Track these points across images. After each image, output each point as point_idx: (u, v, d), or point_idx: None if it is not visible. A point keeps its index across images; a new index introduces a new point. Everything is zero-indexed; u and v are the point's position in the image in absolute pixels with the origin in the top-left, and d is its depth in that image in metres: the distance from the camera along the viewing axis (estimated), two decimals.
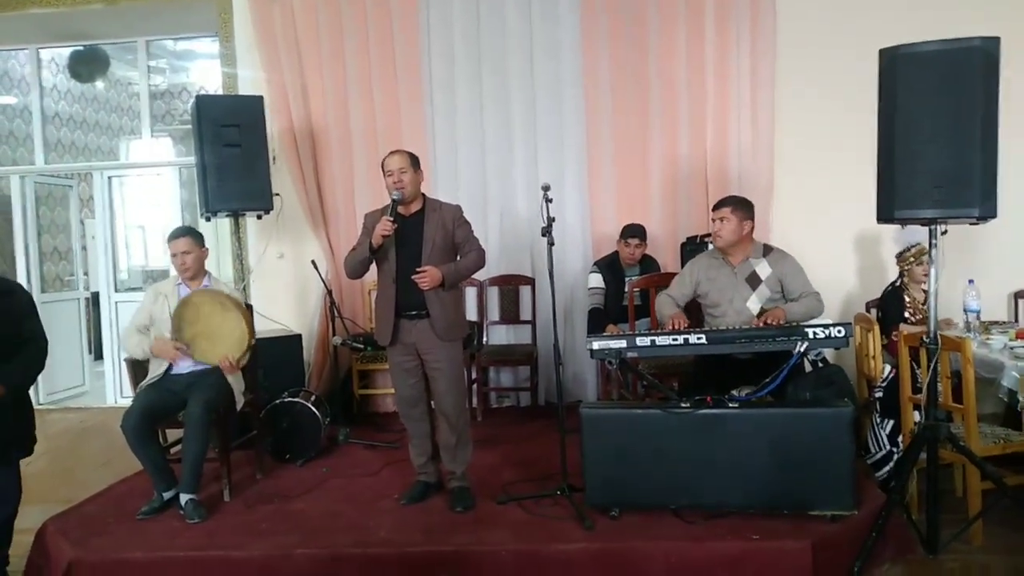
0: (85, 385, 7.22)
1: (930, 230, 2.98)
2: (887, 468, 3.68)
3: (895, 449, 3.67)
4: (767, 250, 3.86)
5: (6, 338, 3.01)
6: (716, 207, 3.86)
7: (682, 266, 4.64)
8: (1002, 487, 3.05)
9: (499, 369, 5.60)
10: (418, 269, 3.39)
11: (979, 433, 3.26)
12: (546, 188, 3.51)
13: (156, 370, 3.80)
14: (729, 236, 3.78)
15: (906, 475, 3.23)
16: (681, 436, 3.20)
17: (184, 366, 3.82)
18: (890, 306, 4.19)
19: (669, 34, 5.20)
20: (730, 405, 3.20)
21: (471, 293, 5.36)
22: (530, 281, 5.43)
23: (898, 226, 3.10)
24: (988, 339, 3.87)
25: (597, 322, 4.76)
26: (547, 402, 5.38)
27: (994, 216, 2.84)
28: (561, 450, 3.53)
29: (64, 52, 7.27)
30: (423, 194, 3.58)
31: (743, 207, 3.80)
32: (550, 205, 3.49)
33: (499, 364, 5.49)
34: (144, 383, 3.81)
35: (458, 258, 3.56)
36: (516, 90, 5.38)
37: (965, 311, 4.09)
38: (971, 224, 2.97)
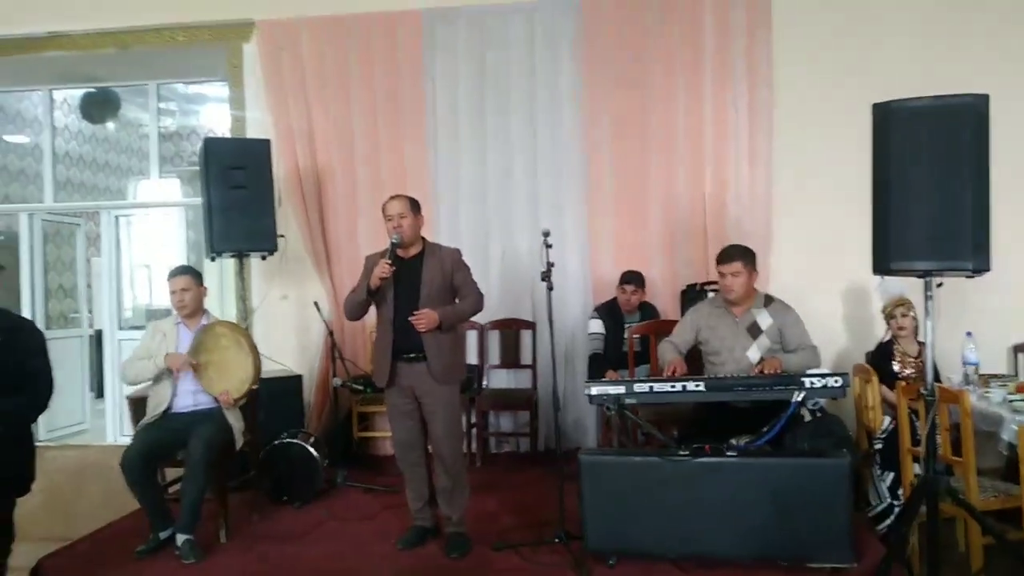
0: (86, 423, 7.21)
1: (925, 282, 3.00)
2: (888, 521, 3.65)
3: (895, 502, 3.64)
4: (768, 300, 3.89)
5: (9, 374, 3.03)
6: (725, 261, 3.81)
7: (682, 313, 4.66)
8: (1004, 542, 3.02)
9: (499, 414, 5.58)
10: (415, 312, 3.42)
11: (979, 487, 3.24)
12: (546, 234, 3.56)
13: (156, 408, 3.81)
14: (741, 290, 3.80)
15: (906, 528, 3.20)
16: (679, 484, 3.19)
17: (184, 405, 3.83)
18: (877, 364, 4.18)
19: (668, 84, 5.29)
20: (728, 454, 3.20)
21: (472, 336, 5.37)
22: (531, 325, 5.45)
23: (878, 279, 3.12)
24: (987, 392, 3.86)
25: (597, 368, 4.76)
26: (547, 448, 5.34)
27: (987, 269, 2.87)
28: (559, 497, 3.51)
29: (77, 94, 7.41)
30: (423, 238, 3.64)
31: (751, 259, 3.84)
32: (550, 251, 3.54)
33: (499, 408, 5.48)
34: (144, 421, 3.82)
35: (456, 301, 3.59)
36: (518, 137, 5.47)
37: (964, 363, 4.09)
38: (966, 277, 2.99)
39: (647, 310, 5.03)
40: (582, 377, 5.10)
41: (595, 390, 3.38)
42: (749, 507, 3.11)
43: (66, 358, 7.00)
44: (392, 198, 3.59)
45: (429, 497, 3.71)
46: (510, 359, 5.52)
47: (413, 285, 3.51)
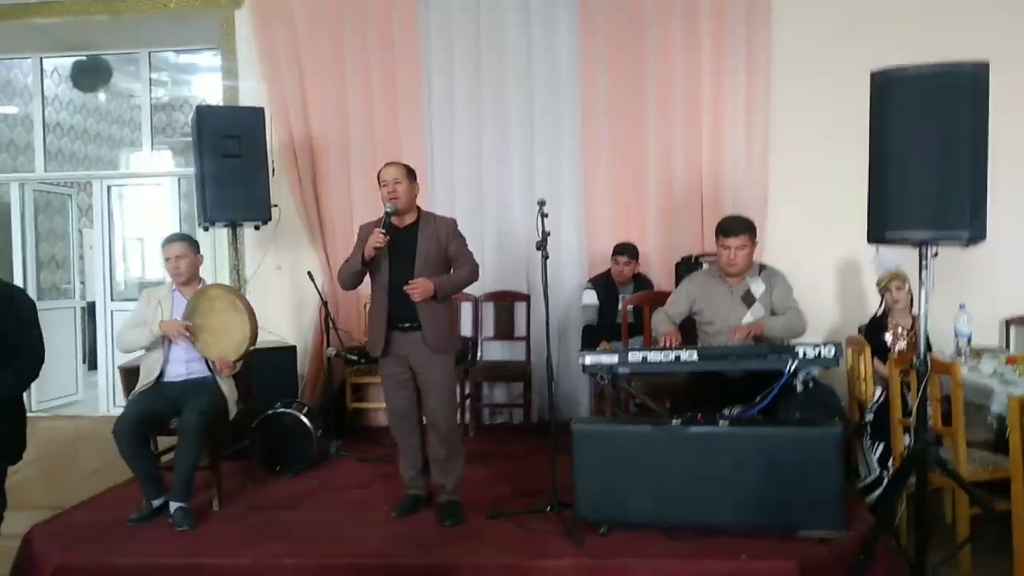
0: (78, 394, 7.21)
1: (920, 251, 2.99)
2: (877, 492, 3.68)
3: (885, 473, 3.67)
4: (761, 268, 3.90)
5: (1, 343, 3.01)
6: (731, 234, 3.78)
7: (676, 285, 4.66)
8: (991, 512, 3.05)
9: (492, 385, 5.60)
10: (410, 281, 3.41)
11: (968, 458, 3.26)
12: (542, 203, 3.55)
13: (148, 376, 3.80)
14: (745, 262, 3.80)
15: (895, 498, 3.23)
16: (671, 453, 3.20)
17: (177, 373, 3.83)
18: (870, 337, 4.19)
19: (666, 54, 5.25)
20: (720, 423, 3.20)
21: (466, 308, 5.37)
22: (525, 298, 5.44)
23: (873, 251, 3.11)
24: (978, 364, 3.88)
25: (591, 338, 4.77)
26: (540, 420, 5.37)
27: (983, 238, 2.86)
28: (552, 466, 3.52)
29: (67, 63, 7.32)
30: (418, 207, 3.62)
31: (754, 232, 3.84)
32: (545, 220, 3.53)
33: (492, 380, 5.50)
34: (137, 390, 3.81)
35: (451, 271, 3.58)
36: (514, 106, 5.43)
37: (956, 336, 4.10)
38: (961, 247, 2.98)
39: (641, 282, 5.03)
40: (575, 349, 5.10)
41: (589, 360, 3.39)
42: (741, 476, 3.13)
43: (58, 329, 6.99)
44: (387, 164, 3.56)
45: (423, 466, 3.71)
46: (504, 331, 5.53)
47: (408, 254, 3.49)
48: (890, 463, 3.63)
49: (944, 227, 2.83)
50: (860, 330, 4.69)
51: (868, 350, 3.94)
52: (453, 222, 3.63)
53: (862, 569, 2.94)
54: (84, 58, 7.12)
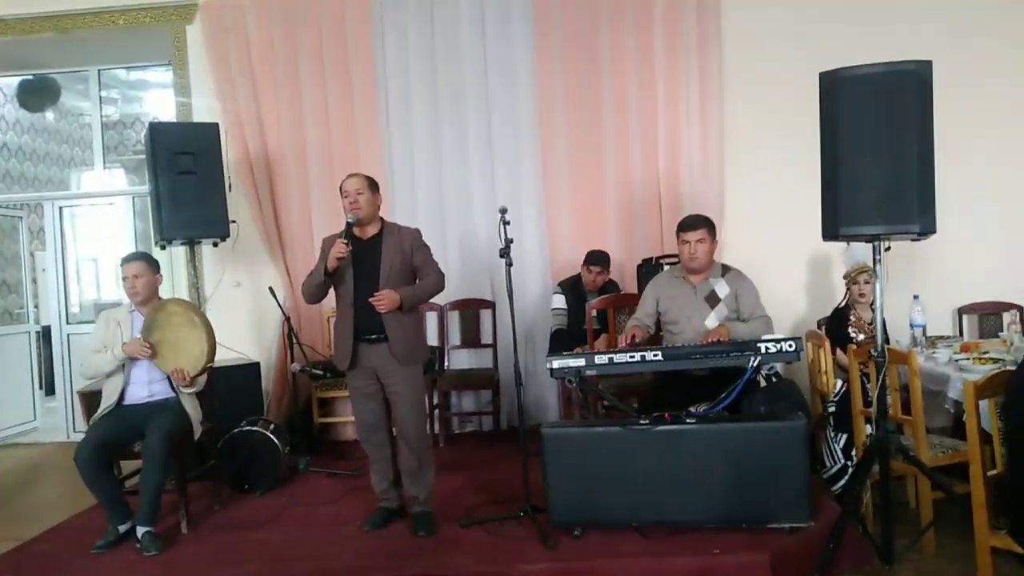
0: (36, 421, 7.02)
1: (873, 246, 3.07)
2: (842, 482, 3.75)
3: (849, 463, 3.74)
4: (725, 270, 3.95)
5: None
6: (689, 228, 3.84)
7: (639, 288, 4.71)
8: (952, 495, 3.13)
9: (461, 394, 5.59)
10: (375, 293, 3.39)
11: (928, 444, 3.35)
12: (503, 211, 3.56)
13: (109, 400, 3.73)
14: (705, 257, 3.84)
15: (860, 486, 3.29)
16: (641, 453, 3.23)
17: (139, 395, 3.76)
18: (833, 328, 4.28)
19: (619, 58, 5.32)
20: (687, 421, 3.24)
21: (431, 318, 5.36)
22: (490, 305, 5.45)
23: (843, 246, 3.20)
24: (934, 353, 3.98)
25: (560, 343, 4.78)
26: (510, 426, 5.37)
27: (933, 231, 2.95)
28: (524, 471, 3.53)
29: (13, 81, 7.16)
30: (381, 218, 3.60)
31: (713, 228, 3.89)
32: (507, 227, 3.54)
33: (460, 388, 5.49)
34: (98, 414, 3.73)
35: (417, 281, 3.57)
36: (472, 114, 5.45)
37: (911, 326, 4.20)
38: (912, 240, 3.07)
39: (609, 287, 5.04)
40: (542, 355, 5.12)
41: (556, 363, 3.41)
42: (710, 472, 3.17)
43: (13, 355, 6.82)
44: (350, 176, 3.55)
45: (394, 478, 3.69)
46: (470, 339, 5.53)
47: (373, 266, 3.47)
48: (853, 453, 3.70)
49: (895, 222, 2.93)
50: (819, 324, 4.78)
51: (828, 344, 4.02)
52: (417, 232, 3.63)
53: (832, 557, 3.01)
54: (31, 77, 6.96)
